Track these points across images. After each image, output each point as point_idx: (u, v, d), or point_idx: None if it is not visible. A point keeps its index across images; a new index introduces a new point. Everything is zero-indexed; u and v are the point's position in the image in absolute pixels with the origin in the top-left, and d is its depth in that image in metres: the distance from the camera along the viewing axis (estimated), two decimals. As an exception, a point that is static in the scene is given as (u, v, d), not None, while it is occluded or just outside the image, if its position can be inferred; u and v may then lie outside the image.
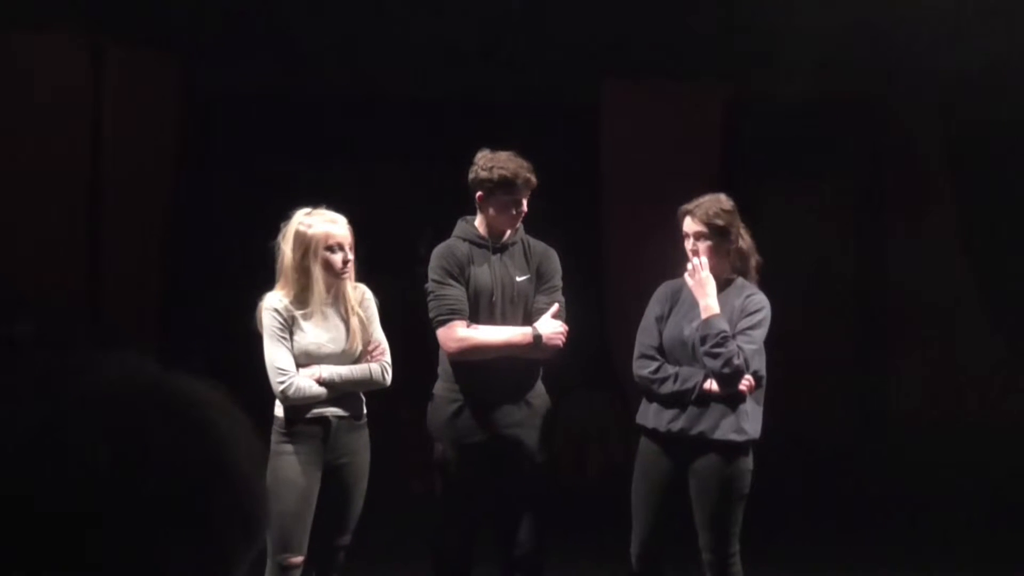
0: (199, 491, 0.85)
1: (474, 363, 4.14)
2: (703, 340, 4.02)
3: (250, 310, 3.99)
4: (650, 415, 4.16)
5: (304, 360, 3.95)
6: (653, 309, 4.26)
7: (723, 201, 4.14)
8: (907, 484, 6.72)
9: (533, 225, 4.34)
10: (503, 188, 4.12)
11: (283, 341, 3.92)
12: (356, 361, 4.03)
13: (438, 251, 4.24)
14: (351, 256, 3.98)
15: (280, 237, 3.97)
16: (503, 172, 4.10)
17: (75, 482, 0.80)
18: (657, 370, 4.14)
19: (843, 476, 6.92)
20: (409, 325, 5.70)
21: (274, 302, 3.94)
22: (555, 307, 4.17)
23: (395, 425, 6.64)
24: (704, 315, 4.05)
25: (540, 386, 4.28)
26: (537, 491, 4.28)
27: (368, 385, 4.06)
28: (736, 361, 3.97)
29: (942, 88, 6.83)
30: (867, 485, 6.87)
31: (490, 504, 4.27)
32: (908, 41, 6.38)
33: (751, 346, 4.01)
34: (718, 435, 4.03)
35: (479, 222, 4.23)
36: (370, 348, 4.07)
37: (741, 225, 4.19)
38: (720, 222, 4.09)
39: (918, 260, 7.42)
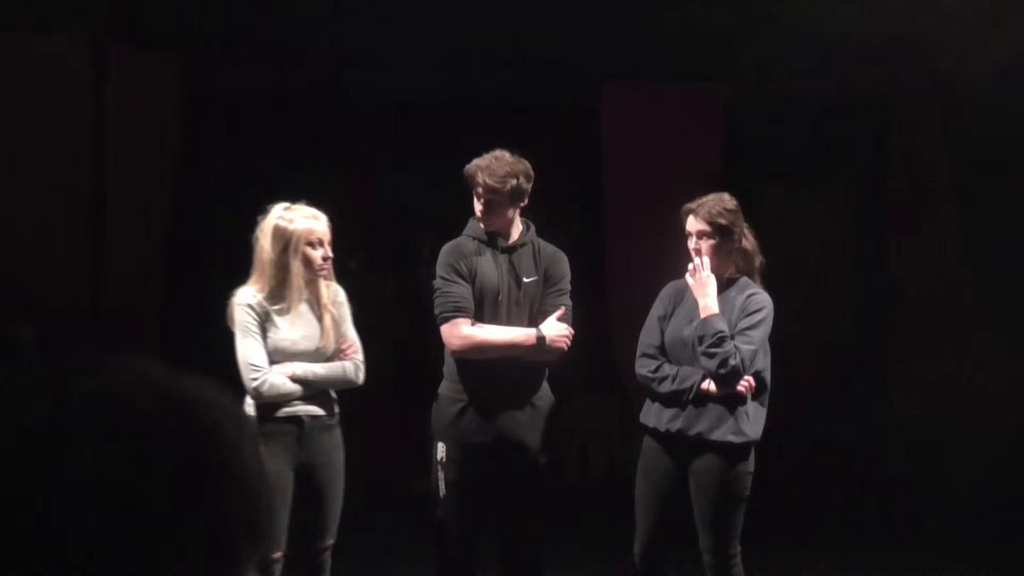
0: (205, 492, 0.85)
1: (479, 364, 4.13)
2: (700, 340, 4.02)
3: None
4: (651, 414, 4.17)
5: (277, 357, 3.91)
6: (656, 308, 4.26)
7: (726, 200, 4.14)
8: (908, 485, 6.72)
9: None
10: (470, 184, 4.16)
11: (256, 337, 3.87)
12: (328, 359, 4.01)
13: (446, 248, 4.24)
14: (331, 253, 3.97)
15: (258, 231, 3.93)
16: (467, 168, 4.15)
17: (82, 483, 0.80)
18: (656, 369, 4.14)
19: (844, 477, 6.92)
20: (412, 323, 5.71)
21: (247, 297, 3.90)
22: (561, 310, 4.17)
23: (397, 425, 6.65)
24: (702, 315, 4.04)
25: (545, 388, 4.28)
26: (539, 492, 4.28)
27: (341, 384, 4.04)
28: (732, 362, 3.95)
29: (945, 88, 6.83)
30: (868, 486, 6.87)
31: (492, 505, 4.27)
32: (911, 41, 6.38)
33: (749, 347, 4.00)
34: (716, 436, 4.02)
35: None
36: (343, 346, 4.04)
37: (745, 225, 4.18)
38: (723, 221, 4.08)
39: (920, 260, 7.42)
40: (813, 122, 7.20)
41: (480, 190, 4.13)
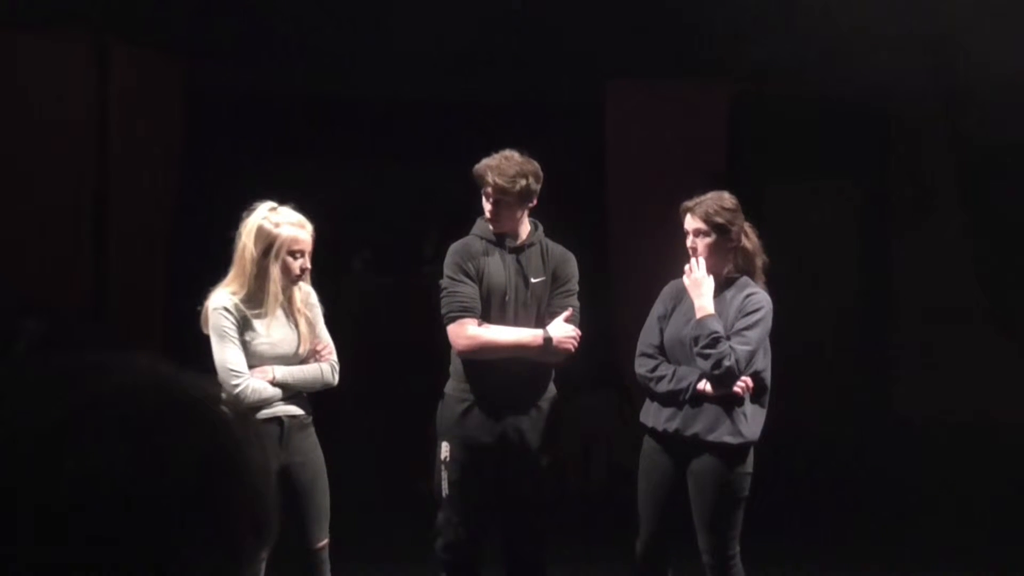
0: (213, 490, 0.85)
1: (485, 364, 4.12)
2: (695, 341, 4.01)
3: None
4: (650, 414, 4.17)
5: (255, 361, 3.86)
6: (656, 308, 4.25)
7: (725, 199, 4.12)
8: (909, 486, 6.72)
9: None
10: (479, 184, 4.15)
11: (235, 341, 3.81)
12: (304, 362, 3.98)
13: (454, 248, 4.23)
14: (309, 265, 3.92)
15: (241, 228, 3.86)
16: (476, 168, 4.14)
17: (91, 481, 0.80)
18: (654, 368, 4.14)
19: (845, 478, 6.91)
20: (416, 322, 5.70)
21: (223, 301, 3.83)
22: (568, 311, 4.16)
23: (400, 424, 6.64)
24: (697, 315, 4.03)
25: (552, 389, 4.27)
26: (542, 493, 4.28)
27: (319, 385, 4.00)
28: (727, 363, 3.93)
29: (949, 89, 6.82)
30: (869, 486, 6.86)
31: (495, 505, 4.26)
32: (916, 42, 6.38)
33: (745, 348, 3.97)
34: (713, 437, 4.01)
35: None
36: (318, 348, 4.02)
37: (746, 224, 4.16)
38: (720, 220, 4.06)
39: (922, 261, 7.42)
40: (817, 122, 7.19)
41: (489, 190, 4.12)
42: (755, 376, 4.05)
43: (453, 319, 4.12)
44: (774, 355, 4.14)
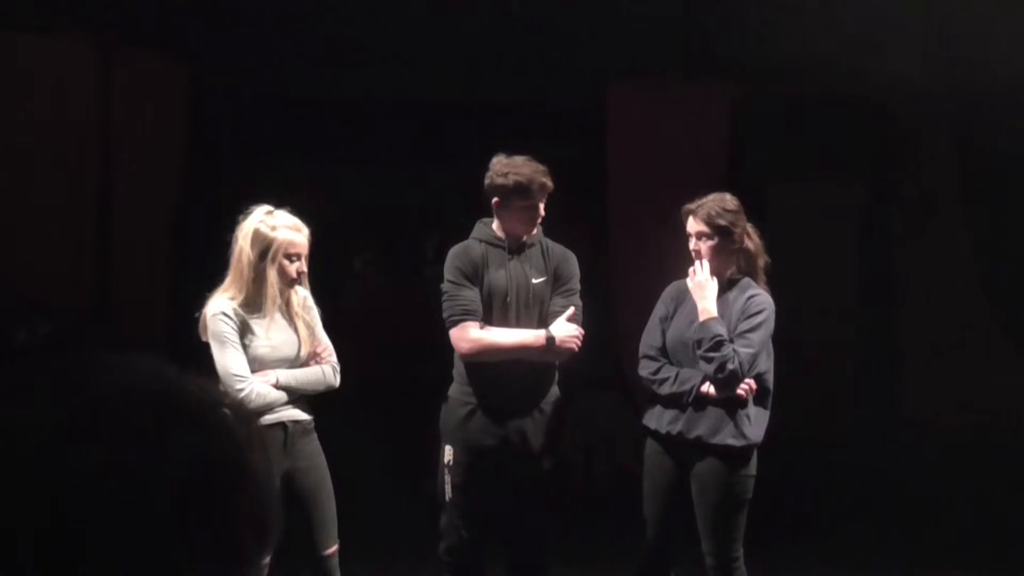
0: (214, 493, 0.85)
1: (488, 367, 4.11)
2: (698, 344, 3.99)
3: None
4: (653, 416, 4.16)
5: (257, 366, 3.85)
6: (659, 309, 4.25)
7: (727, 201, 4.10)
8: (913, 488, 6.70)
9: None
10: (519, 194, 4.09)
11: (236, 346, 3.79)
12: (304, 364, 3.97)
13: (454, 251, 4.22)
14: (305, 268, 3.91)
15: (237, 232, 3.85)
16: (518, 178, 4.08)
17: (94, 482, 0.80)
18: (657, 371, 4.13)
19: (848, 479, 6.90)
20: (418, 324, 5.69)
21: (223, 307, 3.82)
22: (571, 310, 4.15)
23: (404, 427, 6.64)
24: (701, 318, 4.02)
25: (555, 392, 4.26)
26: (545, 495, 4.27)
27: (321, 387, 4.00)
28: (731, 366, 3.93)
29: (951, 88, 6.81)
30: (872, 489, 6.85)
31: (498, 507, 4.25)
32: (919, 42, 6.37)
33: (748, 350, 3.96)
34: (716, 440, 4.00)
35: (496, 225, 4.22)
36: (319, 350, 4.01)
37: (749, 225, 4.15)
38: (723, 222, 4.05)
39: (926, 262, 7.41)
40: (820, 123, 7.18)
41: (540, 197, 4.10)
42: (758, 378, 4.04)
43: (455, 323, 4.11)
44: (777, 356, 4.14)
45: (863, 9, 6.02)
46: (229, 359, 3.78)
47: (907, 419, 7.39)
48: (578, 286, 4.24)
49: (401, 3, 6.53)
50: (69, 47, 6.35)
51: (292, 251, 3.85)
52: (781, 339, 4.16)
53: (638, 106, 7.00)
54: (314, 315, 4.04)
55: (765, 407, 4.10)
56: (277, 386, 3.86)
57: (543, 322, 4.16)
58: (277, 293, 3.86)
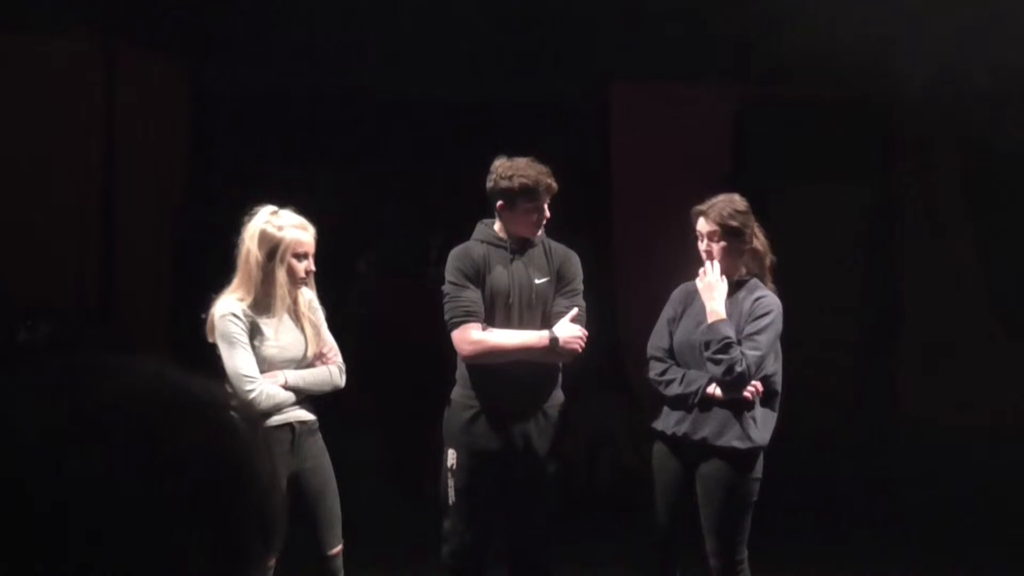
0: (221, 493, 0.85)
1: (491, 369, 4.09)
2: (706, 345, 3.98)
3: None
4: (660, 417, 4.15)
5: (265, 366, 3.85)
6: (666, 311, 4.24)
7: (737, 201, 4.09)
8: (914, 488, 6.69)
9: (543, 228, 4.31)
10: (525, 196, 4.07)
11: (245, 347, 3.79)
12: (311, 365, 3.97)
13: (455, 253, 4.19)
14: (313, 267, 3.92)
15: (243, 233, 3.85)
16: (524, 180, 4.06)
17: (100, 483, 0.80)
18: (664, 372, 4.13)
19: (850, 479, 6.89)
20: (421, 326, 5.67)
21: (231, 307, 3.81)
22: (574, 311, 4.12)
23: (408, 430, 6.63)
24: (709, 320, 4.01)
25: (558, 394, 4.23)
26: (548, 498, 4.25)
27: (328, 387, 4.00)
28: (739, 368, 3.91)
29: (953, 88, 6.80)
30: (875, 490, 6.84)
31: (501, 509, 4.24)
32: (922, 43, 6.35)
33: (755, 352, 3.95)
34: (721, 442, 3.99)
35: (498, 225, 4.20)
36: (325, 351, 4.02)
37: (756, 225, 4.14)
38: (734, 223, 4.04)
39: (928, 262, 7.40)
40: (823, 123, 7.18)
41: (545, 198, 4.08)
42: (765, 380, 4.03)
43: (457, 324, 4.09)
44: (783, 357, 4.13)
45: (866, 11, 6.01)
46: (239, 360, 3.78)
47: (907, 419, 7.38)
48: (581, 286, 4.22)
49: (401, 3, 6.53)
50: (74, 49, 6.35)
51: (300, 250, 3.85)
52: (784, 340, 4.15)
53: (641, 106, 7.00)
54: (320, 316, 4.04)
55: (772, 409, 4.09)
56: (285, 387, 3.86)
57: (546, 323, 4.14)
58: (286, 293, 3.86)
